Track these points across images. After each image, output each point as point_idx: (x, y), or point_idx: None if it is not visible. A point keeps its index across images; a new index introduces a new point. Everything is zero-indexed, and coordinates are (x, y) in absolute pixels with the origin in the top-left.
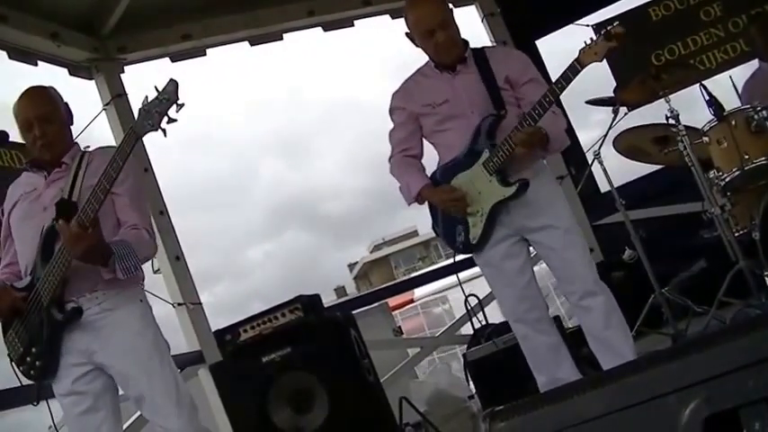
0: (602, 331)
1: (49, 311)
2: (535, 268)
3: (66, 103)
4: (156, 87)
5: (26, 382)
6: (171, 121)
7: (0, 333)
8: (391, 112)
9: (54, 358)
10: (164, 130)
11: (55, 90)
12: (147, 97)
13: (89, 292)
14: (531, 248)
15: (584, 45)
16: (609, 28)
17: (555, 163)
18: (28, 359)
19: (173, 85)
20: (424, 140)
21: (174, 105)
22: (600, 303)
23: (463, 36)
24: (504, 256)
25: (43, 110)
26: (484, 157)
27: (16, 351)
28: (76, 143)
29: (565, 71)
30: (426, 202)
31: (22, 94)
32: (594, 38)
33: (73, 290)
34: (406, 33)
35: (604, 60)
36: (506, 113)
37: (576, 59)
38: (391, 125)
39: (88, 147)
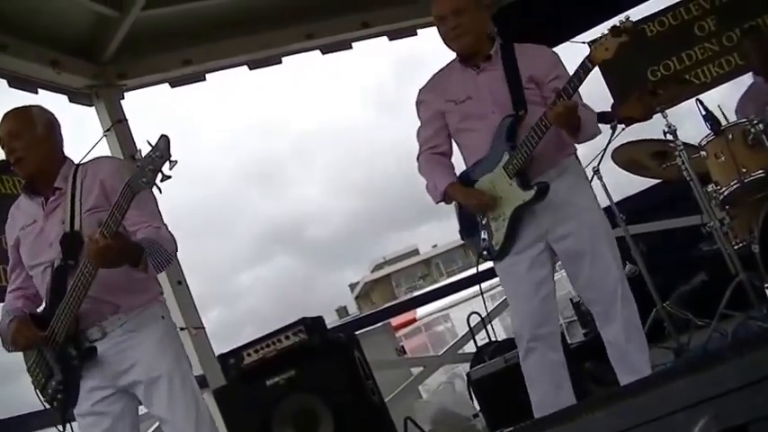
0: (623, 344)
1: (65, 349)
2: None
3: (50, 120)
4: (148, 142)
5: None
6: (165, 178)
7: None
8: (417, 106)
9: (73, 391)
10: (159, 188)
11: (38, 108)
12: (140, 152)
13: (110, 315)
14: (555, 257)
15: (594, 41)
16: (618, 23)
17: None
18: (50, 390)
19: (164, 141)
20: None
21: (168, 162)
22: (622, 318)
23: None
24: (529, 266)
25: (10, 127)
26: (504, 160)
27: (38, 381)
28: (68, 159)
29: (577, 69)
30: (454, 207)
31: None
32: (605, 33)
33: (93, 317)
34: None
35: (601, 78)
36: (526, 114)
37: (587, 57)
38: (418, 122)
39: None
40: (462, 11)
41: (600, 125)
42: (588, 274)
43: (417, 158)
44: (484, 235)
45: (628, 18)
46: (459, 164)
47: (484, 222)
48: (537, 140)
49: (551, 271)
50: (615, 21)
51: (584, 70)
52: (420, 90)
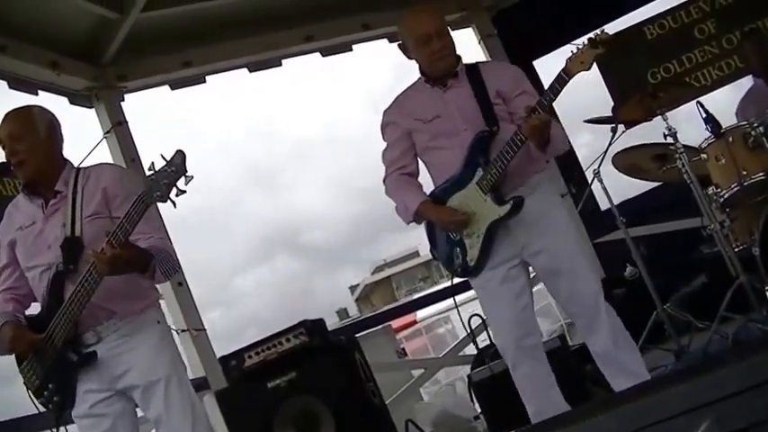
0: (611, 351)
1: (63, 353)
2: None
3: (51, 122)
4: (162, 156)
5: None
6: (180, 192)
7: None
8: (383, 128)
9: (70, 395)
10: (173, 202)
11: (39, 108)
12: (153, 164)
13: (106, 320)
14: (530, 269)
15: (570, 54)
16: (594, 35)
17: (555, 182)
18: (45, 393)
19: (180, 156)
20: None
21: (183, 177)
22: (607, 325)
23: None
24: (502, 279)
25: (12, 129)
26: (478, 176)
27: (32, 383)
28: (68, 162)
29: (552, 83)
30: (424, 225)
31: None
32: (581, 46)
33: (89, 322)
34: (399, 44)
35: (602, 81)
36: (499, 129)
37: (562, 69)
38: (383, 144)
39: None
40: (444, 31)
41: (595, 124)
42: (568, 288)
43: (384, 181)
44: (458, 252)
45: (603, 30)
46: (426, 184)
47: (457, 239)
48: (512, 155)
49: (527, 283)
50: (614, 24)
51: (559, 83)
52: (385, 112)
